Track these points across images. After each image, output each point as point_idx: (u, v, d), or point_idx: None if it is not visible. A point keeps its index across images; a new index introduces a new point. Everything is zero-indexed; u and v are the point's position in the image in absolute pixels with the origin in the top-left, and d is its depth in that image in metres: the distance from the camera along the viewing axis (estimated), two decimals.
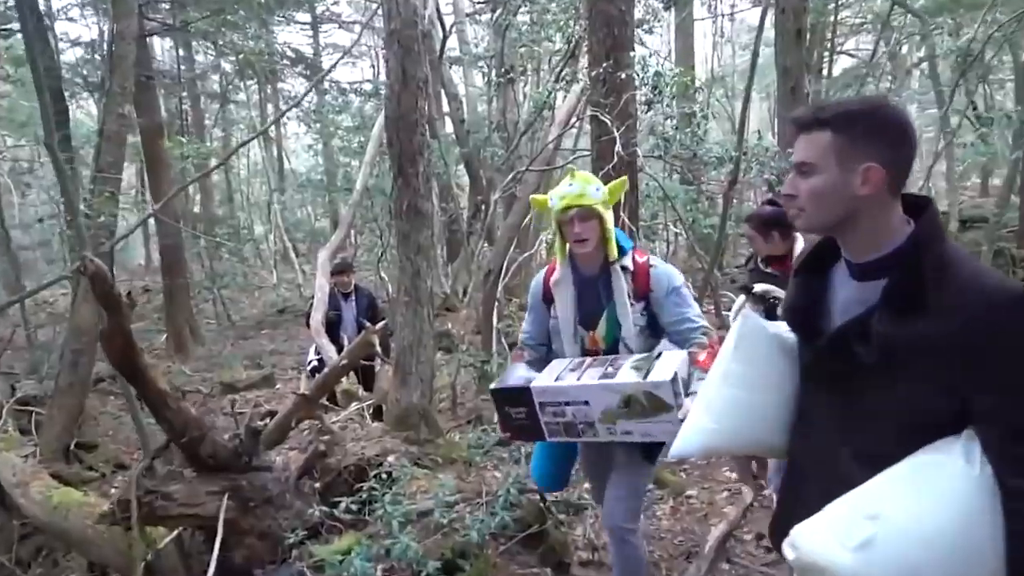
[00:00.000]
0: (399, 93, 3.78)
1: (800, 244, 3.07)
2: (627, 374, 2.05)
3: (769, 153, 5.42)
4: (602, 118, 4.90)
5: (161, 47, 15.41)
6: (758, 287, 3.08)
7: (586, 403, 2.07)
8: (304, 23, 17.15)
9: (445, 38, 10.28)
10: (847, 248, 1.30)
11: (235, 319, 11.62)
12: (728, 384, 1.52)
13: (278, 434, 3.81)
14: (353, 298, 5.95)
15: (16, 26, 10.80)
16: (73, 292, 6.17)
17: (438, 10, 10.37)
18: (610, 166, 4.92)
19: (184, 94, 14.34)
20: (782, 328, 1.49)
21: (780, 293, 2.88)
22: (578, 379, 2.10)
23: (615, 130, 4.83)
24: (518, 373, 2.29)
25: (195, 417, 3.00)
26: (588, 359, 2.25)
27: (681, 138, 5.36)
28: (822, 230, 1.31)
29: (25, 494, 4.43)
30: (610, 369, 2.12)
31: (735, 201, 10.72)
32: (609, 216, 2.24)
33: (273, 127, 15.99)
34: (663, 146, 5.34)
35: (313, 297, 6.11)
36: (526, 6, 8.85)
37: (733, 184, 4.91)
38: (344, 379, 4.88)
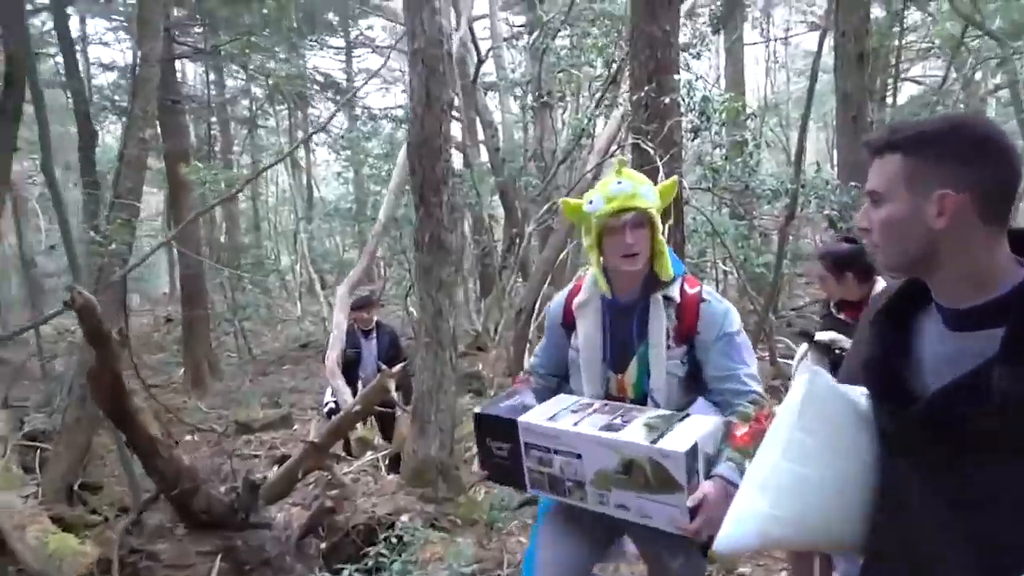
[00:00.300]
0: (422, 116, 3.69)
1: (880, 289, 2.80)
2: (635, 431, 1.71)
3: (829, 186, 5.17)
4: (644, 146, 4.74)
5: (194, 71, 15.95)
6: (822, 335, 2.82)
7: (578, 456, 1.75)
8: (337, 47, 17.58)
9: (480, 62, 10.32)
10: (938, 291, 1.12)
11: (256, 353, 11.65)
12: (789, 459, 1.29)
13: (283, 486, 3.66)
14: (375, 336, 5.83)
15: (49, 49, 11.23)
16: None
17: (472, 34, 10.46)
18: None
19: (214, 119, 14.75)
20: (854, 390, 1.27)
21: (848, 343, 2.62)
22: (575, 424, 1.77)
23: (658, 159, 4.67)
24: (514, 400, 1.99)
25: (188, 467, 2.87)
26: (598, 403, 1.92)
27: (731, 169, 5.16)
28: (901, 269, 1.15)
29: (21, 538, 4.36)
30: (618, 420, 1.78)
31: (791, 238, 10.40)
32: (659, 223, 1.91)
33: (303, 154, 16.30)
34: (711, 177, 5.15)
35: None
36: (565, 29, 8.84)
37: (790, 219, 4.68)
38: (360, 425, 4.73)
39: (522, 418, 1.83)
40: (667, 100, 4.41)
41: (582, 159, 7.93)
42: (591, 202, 1.89)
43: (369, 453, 4.49)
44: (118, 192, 6.31)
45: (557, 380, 2.16)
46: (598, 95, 7.86)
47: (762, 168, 6.06)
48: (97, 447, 6.64)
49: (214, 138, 14.86)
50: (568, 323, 2.06)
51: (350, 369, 5.78)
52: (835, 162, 10.59)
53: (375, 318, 5.90)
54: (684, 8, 7.19)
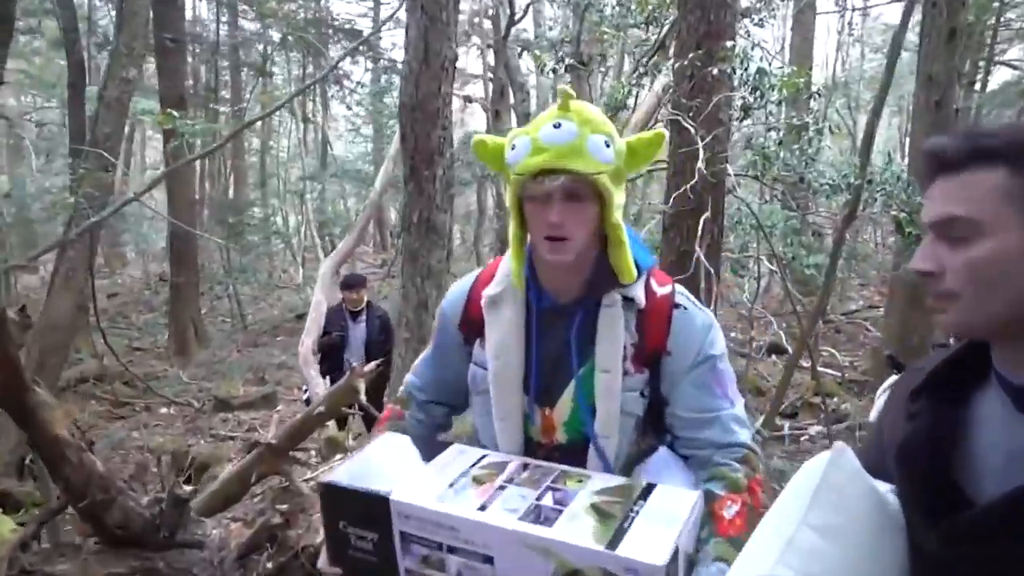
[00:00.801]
0: (418, 74, 3.34)
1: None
2: (579, 523, 1.20)
3: (900, 183, 4.70)
4: (684, 123, 4.33)
5: (206, 9, 15.69)
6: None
7: (488, 560, 1.22)
8: None
9: (512, 17, 9.87)
10: (1011, 362, 0.88)
11: (249, 321, 11.50)
12: (790, 564, 0.98)
13: (230, 492, 3.39)
14: (364, 318, 5.56)
15: None
16: (51, 280, 6.03)
17: None
18: (689, 185, 4.34)
19: (226, 63, 14.50)
20: (882, 484, 1.01)
21: None
22: (483, 506, 1.24)
23: (699, 140, 4.25)
24: (380, 457, 1.42)
25: (102, 474, 2.59)
26: (515, 462, 1.39)
27: (785, 156, 4.72)
28: (992, 330, 0.88)
29: None
30: (549, 498, 1.26)
31: (848, 237, 9.84)
32: (619, 199, 1.35)
33: (319, 107, 16.00)
34: (761, 164, 4.71)
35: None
36: None
37: (851, 219, 4.27)
38: (331, 424, 4.46)
39: (397, 494, 1.26)
40: (715, 71, 3.99)
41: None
42: (513, 147, 1.35)
43: (338, 457, 4.20)
44: (95, 137, 6.07)
45: (445, 411, 1.66)
46: (644, 60, 7.40)
47: (821, 157, 5.60)
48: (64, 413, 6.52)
49: (223, 83, 14.63)
50: (471, 327, 1.51)
51: (335, 353, 5.53)
52: (906, 153, 9.96)
53: (366, 298, 5.63)
54: None
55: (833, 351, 9.09)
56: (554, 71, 7.19)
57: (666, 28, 6.93)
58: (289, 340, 10.64)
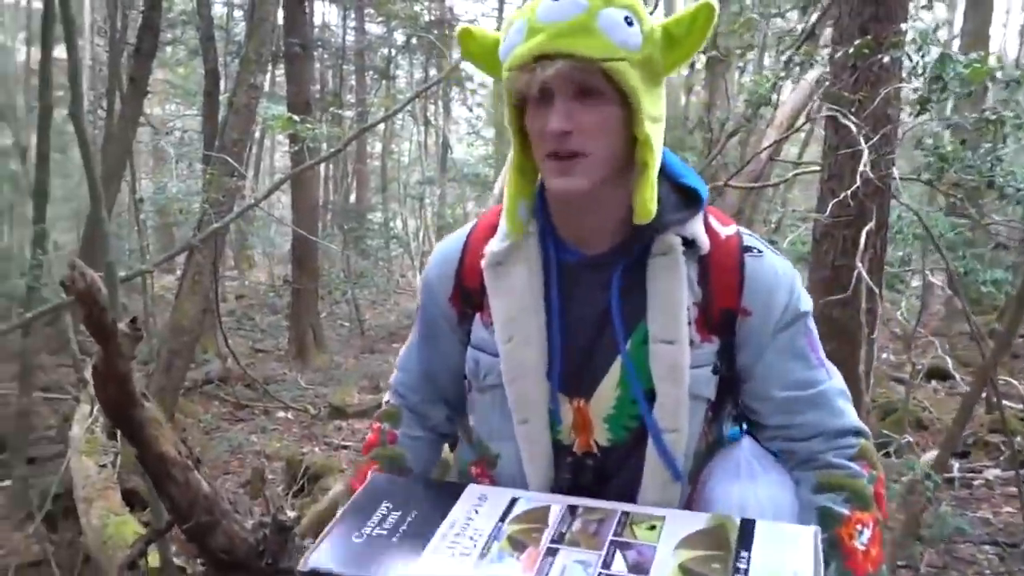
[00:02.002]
0: None
1: None
2: None
3: None
4: (845, 121, 3.90)
5: (336, 15, 16.32)
6: None
7: None
8: None
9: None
10: None
11: (367, 326, 11.78)
12: None
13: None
14: None
15: None
16: (179, 284, 6.33)
17: None
18: (849, 191, 3.90)
19: (349, 67, 15.03)
20: None
21: None
22: None
23: (862, 140, 3.81)
24: (373, 517, 1.10)
25: (207, 495, 2.55)
26: (561, 507, 1.07)
27: (966, 156, 4.17)
28: None
29: (87, 512, 4.42)
30: (623, 566, 0.96)
31: None
32: (651, 104, 1.02)
33: (440, 110, 16.26)
34: (936, 167, 4.19)
35: None
36: None
37: None
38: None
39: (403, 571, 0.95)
40: (886, 60, 3.55)
41: (758, 133, 7.03)
42: (509, 36, 1.04)
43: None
44: (223, 142, 6.31)
45: (446, 414, 1.31)
46: (788, 53, 6.91)
47: (1009, 157, 4.95)
48: (185, 417, 6.86)
49: (349, 88, 15.17)
50: (467, 298, 1.19)
51: None
52: None
53: None
54: None
55: (1010, 379, 8.14)
56: (692, 65, 6.83)
57: (815, 16, 6.43)
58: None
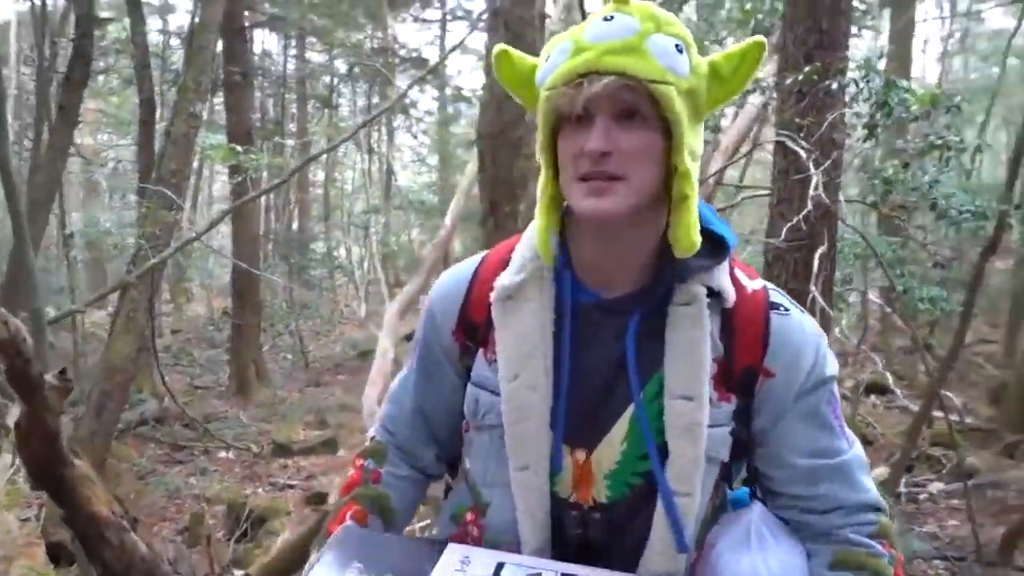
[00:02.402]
0: (500, 99, 3.06)
1: None
2: None
3: None
4: (794, 146, 3.92)
5: (276, 43, 16.08)
6: None
7: None
8: (431, 20, 17.36)
9: None
10: None
11: (312, 358, 11.46)
12: None
13: (287, 564, 3.11)
14: None
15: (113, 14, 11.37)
16: (112, 323, 5.99)
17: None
18: (800, 216, 3.92)
19: (294, 96, 14.77)
20: None
21: None
22: None
23: (812, 165, 3.84)
24: None
25: (145, 556, 2.34)
26: (550, 570, 1.00)
27: (906, 179, 4.25)
28: None
29: (6, 572, 4.13)
30: None
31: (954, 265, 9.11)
32: (693, 137, 0.97)
33: (384, 137, 16.12)
34: (881, 190, 4.26)
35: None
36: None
37: (994, 249, 3.76)
38: None
39: None
40: (834, 85, 3.59)
41: (704, 158, 7.12)
42: (548, 58, 0.98)
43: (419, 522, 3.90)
44: (160, 173, 6.05)
45: (435, 455, 1.20)
46: None
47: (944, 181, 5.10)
48: (117, 462, 6.47)
49: (291, 117, 14.89)
50: (471, 332, 1.10)
51: None
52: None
53: None
54: None
55: (946, 392, 8.38)
56: None
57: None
58: (352, 380, 10.51)
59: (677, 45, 0.94)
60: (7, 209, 3.35)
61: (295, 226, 15.60)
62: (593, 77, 0.91)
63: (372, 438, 1.23)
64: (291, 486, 6.62)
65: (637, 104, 0.93)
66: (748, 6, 4.48)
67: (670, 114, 0.93)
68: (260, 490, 6.53)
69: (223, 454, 7.48)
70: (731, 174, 9.72)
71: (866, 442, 7.29)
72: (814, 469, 1.04)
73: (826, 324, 4.30)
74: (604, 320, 1.04)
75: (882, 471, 6.05)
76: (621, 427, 1.02)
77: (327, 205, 16.32)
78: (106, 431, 5.65)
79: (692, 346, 1.00)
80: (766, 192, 4.71)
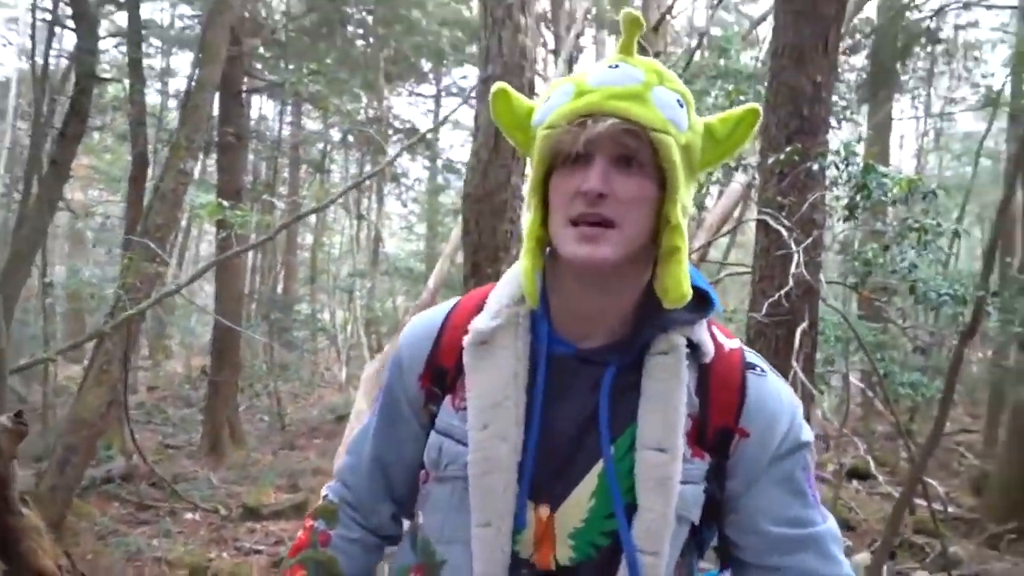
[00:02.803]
0: (486, 163, 3.10)
1: None
2: None
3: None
4: (776, 224, 3.98)
5: (273, 109, 16.39)
6: None
7: None
8: (427, 95, 17.81)
9: None
10: None
11: (288, 420, 11.22)
12: None
13: None
14: None
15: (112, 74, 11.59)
16: (85, 374, 5.86)
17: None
18: (781, 293, 3.94)
19: (287, 160, 14.97)
20: None
21: None
22: None
23: (793, 244, 3.88)
24: None
25: None
26: None
27: (885, 262, 4.31)
28: None
29: None
30: None
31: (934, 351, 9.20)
32: (685, 192, 0.96)
33: (374, 204, 16.29)
34: (860, 271, 4.31)
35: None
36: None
37: (972, 333, 3.79)
38: None
39: None
40: (815, 167, 3.66)
41: (689, 233, 7.22)
42: (548, 99, 0.98)
43: None
44: (146, 227, 6.02)
45: (392, 512, 1.14)
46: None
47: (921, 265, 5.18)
48: (78, 520, 6.21)
49: (283, 180, 15.05)
50: (438, 379, 1.05)
51: None
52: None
53: None
54: None
55: (928, 480, 8.29)
56: None
57: None
58: (327, 443, 10.27)
59: (679, 100, 0.95)
60: None
61: (280, 288, 15.55)
62: (597, 117, 0.91)
63: (325, 496, 1.17)
64: (258, 551, 6.35)
65: (637, 150, 0.92)
66: (731, 87, 4.61)
67: (668, 164, 0.92)
68: (225, 554, 6.26)
69: (190, 516, 7.21)
70: (714, 254, 9.86)
71: (848, 527, 7.16)
72: (787, 538, 0.99)
73: (807, 402, 4.28)
74: (579, 371, 1.00)
75: (864, 557, 5.91)
76: (589, 483, 0.97)
77: (314, 268, 16.34)
78: (68, 486, 5.43)
79: (668, 396, 0.96)
80: (748, 271, 4.75)
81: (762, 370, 1.02)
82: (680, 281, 0.94)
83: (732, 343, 1.04)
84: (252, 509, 7.15)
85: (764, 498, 1.00)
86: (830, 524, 1.02)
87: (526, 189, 1.03)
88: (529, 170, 1.06)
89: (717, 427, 0.98)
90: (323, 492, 1.19)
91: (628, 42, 0.97)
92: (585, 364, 1.00)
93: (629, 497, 0.96)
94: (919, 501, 6.96)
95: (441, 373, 1.05)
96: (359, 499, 1.14)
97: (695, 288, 0.98)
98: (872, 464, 8.28)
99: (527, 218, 1.01)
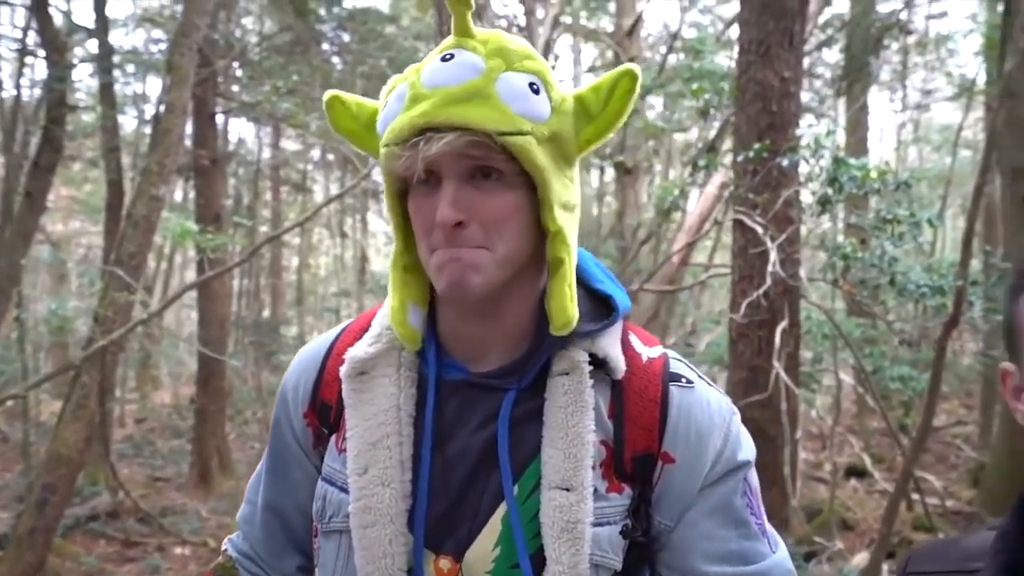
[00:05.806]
0: None
1: None
2: None
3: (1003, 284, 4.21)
4: (750, 223, 3.96)
5: (253, 131, 16.36)
6: None
7: None
8: None
9: None
10: None
11: None
12: None
13: None
14: None
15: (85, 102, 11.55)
16: (61, 409, 5.75)
17: None
18: (760, 292, 3.91)
19: (268, 182, 14.94)
20: None
21: None
22: None
23: (769, 240, 3.87)
24: None
25: None
26: None
27: (866, 256, 4.28)
28: None
29: None
30: None
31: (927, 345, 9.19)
32: (561, 188, 0.84)
33: (357, 223, 16.25)
34: (837, 266, 4.28)
35: None
36: (659, 90, 8.31)
37: (953, 326, 3.76)
38: None
39: None
40: (785, 162, 3.65)
41: (669, 238, 7.20)
42: (385, 104, 0.85)
43: None
44: (119, 255, 5.94)
45: (297, 564, 1.02)
46: (694, 157, 7.21)
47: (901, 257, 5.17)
48: (61, 561, 6.09)
49: (264, 203, 15.00)
50: (324, 415, 0.94)
51: None
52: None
53: None
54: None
55: (925, 475, 8.25)
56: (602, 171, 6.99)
57: (716, 127, 6.76)
58: None
59: (532, 84, 0.81)
60: None
61: (267, 312, 15.46)
62: (431, 135, 0.77)
63: (224, 550, 1.05)
64: None
65: (489, 161, 0.79)
66: (695, 86, 4.60)
67: (530, 168, 0.80)
68: None
69: (179, 550, 7.09)
70: (700, 257, 9.85)
71: (847, 527, 7.10)
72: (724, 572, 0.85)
73: (792, 401, 4.24)
74: (475, 398, 0.87)
75: (862, 557, 5.86)
76: (493, 529, 0.84)
77: (301, 291, 16.26)
78: (48, 527, 5.32)
79: (569, 424, 0.83)
80: (729, 271, 4.73)
81: (688, 381, 0.89)
82: (564, 305, 0.82)
83: (653, 351, 0.91)
84: None
85: (696, 532, 0.86)
86: (779, 556, 0.89)
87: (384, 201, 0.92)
88: None
89: (637, 453, 0.85)
90: (223, 546, 1.07)
91: (461, 22, 0.81)
92: (481, 390, 0.88)
93: (537, 544, 0.84)
94: (915, 496, 6.93)
95: (325, 408, 0.93)
96: (258, 554, 1.03)
97: (596, 292, 0.89)
98: (868, 461, 8.25)
99: (393, 252, 0.90)
